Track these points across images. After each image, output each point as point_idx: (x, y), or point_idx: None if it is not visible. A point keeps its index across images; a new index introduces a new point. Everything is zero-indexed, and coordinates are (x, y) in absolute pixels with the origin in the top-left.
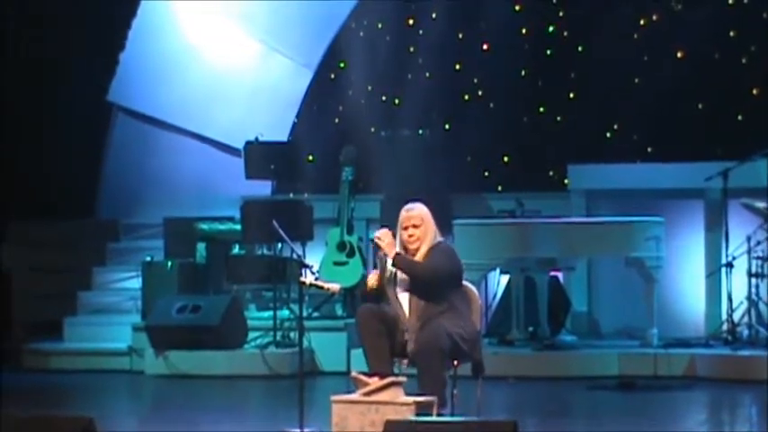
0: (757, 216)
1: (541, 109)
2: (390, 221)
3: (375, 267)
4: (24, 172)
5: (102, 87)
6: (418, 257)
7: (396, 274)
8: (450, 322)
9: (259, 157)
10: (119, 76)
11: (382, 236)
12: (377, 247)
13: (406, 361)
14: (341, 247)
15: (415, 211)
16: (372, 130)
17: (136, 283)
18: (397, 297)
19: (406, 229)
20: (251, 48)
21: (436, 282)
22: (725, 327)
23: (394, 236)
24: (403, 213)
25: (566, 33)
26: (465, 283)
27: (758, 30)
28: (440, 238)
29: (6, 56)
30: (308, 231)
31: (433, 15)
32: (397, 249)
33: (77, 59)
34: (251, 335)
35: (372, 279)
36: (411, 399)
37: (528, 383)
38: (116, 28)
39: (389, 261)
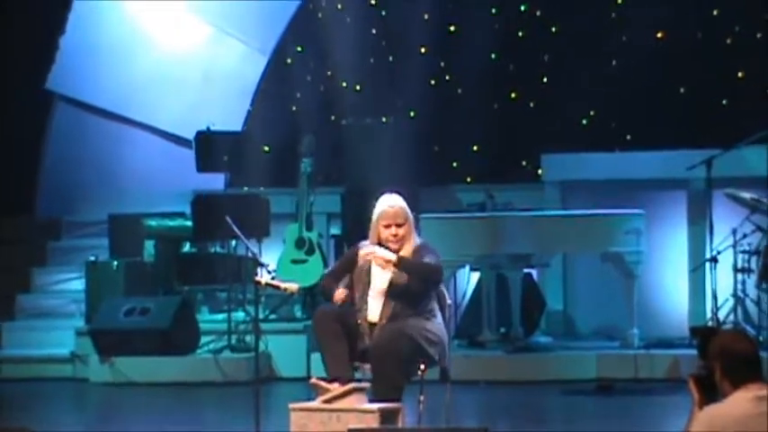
0: (743, 207)
1: (513, 95)
2: (352, 216)
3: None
4: None
5: (40, 74)
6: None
7: (369, 282)
8: (416, 324)
9: (211, 148)
10: (59, 62)
11: (371, 251)
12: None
13: (368, 366)
14: (299, 243)
15: (399, 207)
16: (333, 118)
17: (79, 284)
18: (365, 302)
19: (388, 227)
20: (201, 31)
21: (438, 282)
22: (710, 325)
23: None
24: (384, 208)
25: (539, 13)
26: None
27: (743, 8)
28: (418, 238)
29: None
30: (264, 227)
31: None
32: (373, 248)
33: (12, 44)
34: (203, 339)
35: (340, 295)
36: (375, 406)
37: (500, 388)
38: (55, 9)
39: (392, 266)
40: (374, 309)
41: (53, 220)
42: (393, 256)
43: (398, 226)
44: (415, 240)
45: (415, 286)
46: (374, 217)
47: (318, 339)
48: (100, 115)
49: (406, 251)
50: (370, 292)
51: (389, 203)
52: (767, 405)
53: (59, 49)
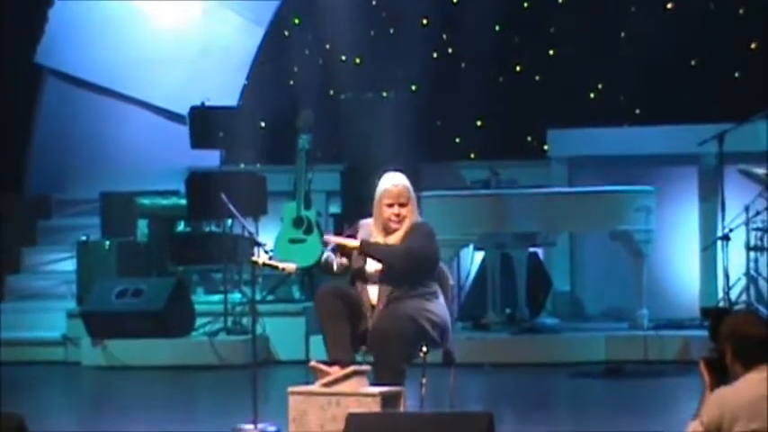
0: (756, 183)
1: (518, 68)
2: (352, 194)
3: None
4: None
5: (29, 47)
6: (396, 237)
7: (364, 267)
8: (417, 305)
9: (206, 124)
10: (48, 34)
11: (332, 239)
12: (335, 249)
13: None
14: (297, 222)
15: (403, 186)
16: (331, 92)
17: (70, 265)
18: (365, 288)
19: (391, 206)
20: (195, 3)
21: (413, 267)
22: (721, 306)
23: (339, 234)
24: (388, 187)
25: None
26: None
27: None
28: (419, 217)
29: None
30: (260, 206)
31: None
32: (371, 226)
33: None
34: (199, 321)
35: (336, 265)
36: (376, 390)
37: (505, 371)
38: None
39: (356, 252)
40: (372, 290)
41: (43, 199)
42: (355, 243)
43: (401, 205)
44: (412, 220)
45: (398, 270)
46: (377, 195)
47: (320, 319)
48: (91, 90)
49: (401, 232)
50: (368, 277)
51: (393, 182)
52: None
53: (48, 21)
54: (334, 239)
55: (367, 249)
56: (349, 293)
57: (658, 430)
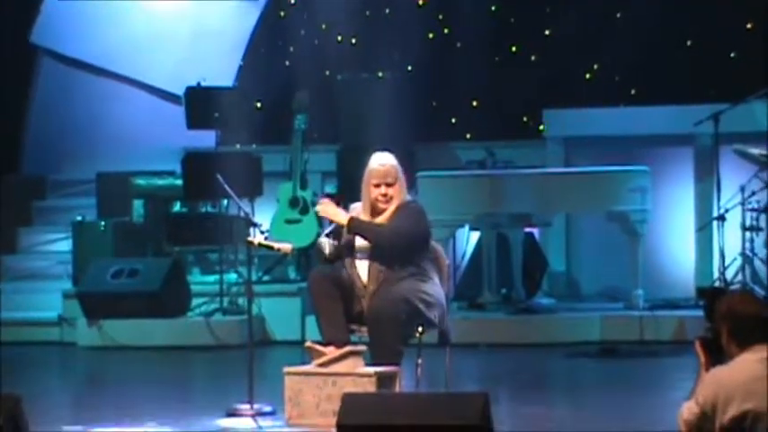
0: (752, 164)
1: (514, 48)
2: (348, 174)
3: (328, 236)
4: None
5: (24, 27)
6: (383, 217)
7: (353, 242)
8: (411, 286)
9: (202, 104)
10: (44, 14)
11: (324, 206)
12: (323, 219)
13: (364, 329)
14: (293, 203)
15: (390, 166)
16: (327, 73)
17: (66, 245)
18: (354, 264)
19: (378, 186)
20: None
21: (400, 247)
22: (717, 286)
23: (337, 203)
24: (375, 167)
25: None
26: (432, 242)
27: None
28: (408, 197)
29: None
30: (256, 186)
31: None
32: (361, 209)
33: None
34: (195, 301)
35: (327, 247)
36: (372, 370)
37: (501, 351)
38: None
39: (344, 229)
40: (362, 267)
41: (38, 179)
42: (344, 219)
43: (388, 185)
44: (401, 200)
45: (385, 249)
46: (364, 176)
47: (313, 301)
48: (87, 71)
49: (389, 211)
50: (357, 253)
51: (379, 162)
52: None
53: (43, 0)
54: (326, 206)
55: (354, 227)
56: (341, 276)
57: (653, 410)
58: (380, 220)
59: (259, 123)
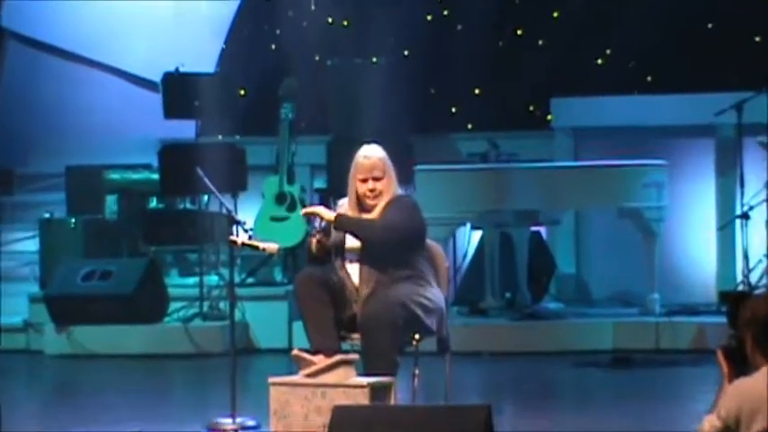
0: None
1: (519, 32)
2: (338, 168)
3: (316, 232)
4: None
5: None
6: (373, 214)
7: (343, 242)
8: (408, 290)
9: (180, 91)
10: None
11: (311, 209)
12: (311, 218)
13: (356, 336)
14: (280, 199)
15: (377, 159)
16: (317, 58)
17: (32, 244)
18: (344, 266)
19: (365, 181)
20: None
21: (392, 243)
22: (740, 289)
23: (327, 206)
24: (360, 160)
25: None
26: (429, 241)
27: None
28: (400, 191)
29: None
30: (240, 181)
31: None
32: (348, 206)
33: None
34: (172, 306)
35: (314, 245)
36: (364, 380)
37: (505, 360)
38: None
39: (332, 226)
40: (353, 270)
41: (4, 173)
42: (330, 215)
43: (376, 180)
44: (392, 195)
45: (376, 245)
46: (351, 170)
47: (300, 306)
48: (57, 55)
49: (379, 207)
50: (348, 255)
51: (365, 154)
52: None
53: None
54: (311, 210)
55: (341, 224)
56: (330, 278)
57: (670, 425)
58: (369, 218)
59: (242, 112)
